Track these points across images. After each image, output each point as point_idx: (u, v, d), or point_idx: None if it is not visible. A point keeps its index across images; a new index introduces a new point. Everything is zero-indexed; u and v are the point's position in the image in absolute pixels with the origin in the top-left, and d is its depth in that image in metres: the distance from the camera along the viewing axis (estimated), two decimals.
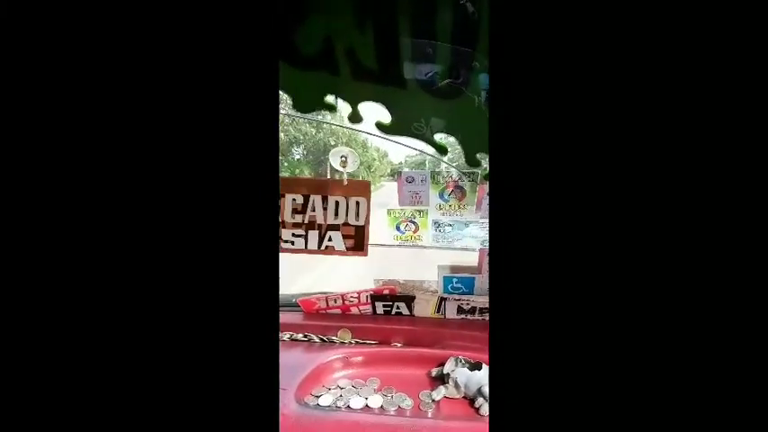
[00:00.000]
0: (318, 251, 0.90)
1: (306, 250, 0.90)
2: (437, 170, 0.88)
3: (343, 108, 0.71)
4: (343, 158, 0.86)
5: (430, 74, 0.70)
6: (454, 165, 0.92)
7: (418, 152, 0.80)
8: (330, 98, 0.68)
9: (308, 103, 0.68)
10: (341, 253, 0.90)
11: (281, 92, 0.66)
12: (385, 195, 0.92)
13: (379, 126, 0.70)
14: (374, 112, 0.72)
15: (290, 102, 0.69)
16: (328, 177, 0.97)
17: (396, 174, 0.88)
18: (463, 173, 0.85)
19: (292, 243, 0.89)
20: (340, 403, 0.68)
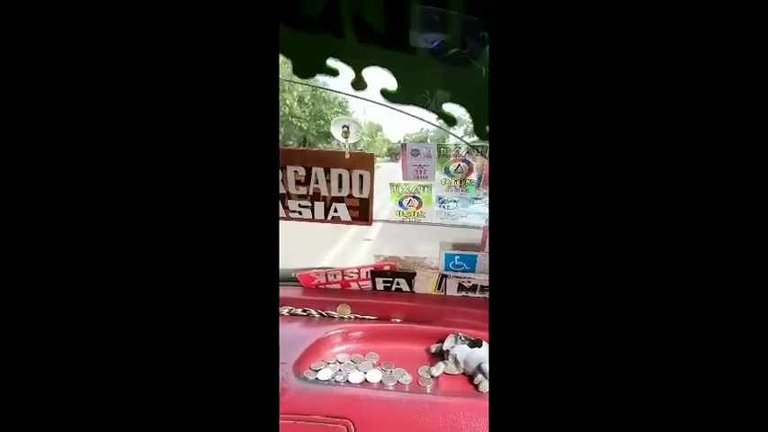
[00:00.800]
0: (325, 221, 0.90)
1: (313, 219, 0.90)
2: (444, 144, 0.85)
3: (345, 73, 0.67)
4: (345, 129, 0.83)
5: (437, 42, 0.66)
6: (463, 137, 0.89)
7: (420, 130, 0.77)
8: (332, 62, 0.64)
9: (310, 67, 0.64)
10: (346, 222, 0.90)
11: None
12: (381, 189, 0.88)
13: (384, 93, 0.67)
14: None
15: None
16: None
17: (394, 154, 0.85)
18: (472, 146, 0.82)
19: (300, 213, 0.90)
20: (339, 377, 0.69)
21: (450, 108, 0.70)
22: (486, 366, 0.68)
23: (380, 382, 0.68)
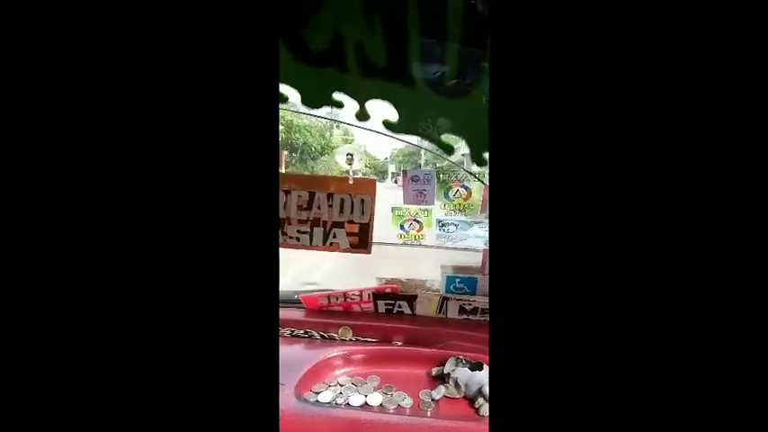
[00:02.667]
0: (323, 247, 0.90)
1: (311, 246, 0.90)
2: (442, 168, 0.88)
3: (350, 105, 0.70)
4: (349, 156, 0.86)
5: (438, 73, 0.70)
6: (457, 161, 0.91)
7: (408, 144, 0.78)
8: (338, 95, 0.68)
9: (316, 99, 0.68)
10: (344, 250, 0.90)
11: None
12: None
13: (386, 124, 0.70)
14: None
15: None
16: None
17: (381, 173, 0.87)
18: (469, 173, 0.85)
19: (297, 239, 0.90)
20: (339, 400, 0.68)
21: (450, 137, 0.73)
22: (486, 390, 0.68)
23: (381, 405, 0.68)
